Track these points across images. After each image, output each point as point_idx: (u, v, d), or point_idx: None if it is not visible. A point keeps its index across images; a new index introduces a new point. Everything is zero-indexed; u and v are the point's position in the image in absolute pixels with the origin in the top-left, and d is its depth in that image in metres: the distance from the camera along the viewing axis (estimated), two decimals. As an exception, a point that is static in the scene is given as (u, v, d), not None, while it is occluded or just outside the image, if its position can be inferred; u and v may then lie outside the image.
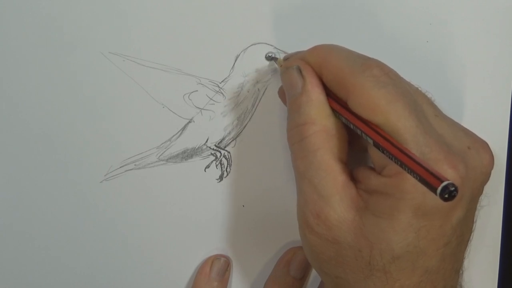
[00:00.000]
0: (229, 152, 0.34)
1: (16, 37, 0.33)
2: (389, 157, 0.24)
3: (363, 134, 0.26)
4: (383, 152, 0.25)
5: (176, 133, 0.34)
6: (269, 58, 0.33)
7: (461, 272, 0.29)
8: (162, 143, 0.34)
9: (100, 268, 0.35)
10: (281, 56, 0.33)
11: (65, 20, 0.33)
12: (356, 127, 0.26)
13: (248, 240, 0.36)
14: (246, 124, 0.34)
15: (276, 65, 0.33)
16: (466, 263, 0.30)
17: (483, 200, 0.32)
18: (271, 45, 0.33)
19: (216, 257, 0.35)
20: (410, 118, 0.25)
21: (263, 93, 0.34)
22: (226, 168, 0.35)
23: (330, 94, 0.28)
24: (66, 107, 0.33)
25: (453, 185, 0.20)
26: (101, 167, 0.34)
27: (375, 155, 0.27)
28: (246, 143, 0.34)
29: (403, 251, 0.25)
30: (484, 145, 0.28)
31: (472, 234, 0.29)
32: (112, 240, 0.35)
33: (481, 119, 0.34)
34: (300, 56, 0.29)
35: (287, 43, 0.33)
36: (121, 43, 0.33)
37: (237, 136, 0.34)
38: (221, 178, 0.35)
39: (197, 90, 0.34)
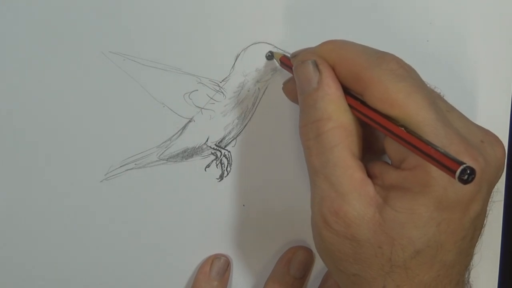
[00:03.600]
0: (229, 152, 0.34)
1: (16, 37, 0.33)
2: (410, 148, 0.24)
3: (382, 128, 0.26)
4: (404, 143, 0.24)
5: (177, 133, 0.34)
6: (270, 57, 0.33)
7: (470, 268, 0.29)
8: (163, 143, 0.34)
9: (100, 268, 0.35)
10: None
11: (65, 19, 0.33)
12: (374, 121, 0.26)
13: (248, 239, 0.36)
14: (247, 124, 0.34)
15: (277, 64, 0.33)
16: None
17: (495, 195, 0.32)
18: (271, 44, 0.33)
19: (216, 257, 0.35)
20: (430, 111, 0.25)
21: (264, 92, 0.34)
22: (227, 168, 0.35)
23: (345, 90, 0.28)
24: (67, 107, 0.33)
25: (471, 167, 0.21)
26: (102, 167, 0.34)
27: (392, 149, 0.27)
28: (247, 142, 0.34)
29: (424, 245, 0.25)
30: (497, 139, 0.28)
31: (483, 229, 0.28)
32: (112, 239, 0.35)
33: (481, 118, 0.34)
34: (311, 52, 0.29)
35: (287, 42, 0.33)
36: (121, 42, 0.33)
37: (237, 136, 0.34)
38: (221, 177, 0.35)
39: (197, 90, 0.34)
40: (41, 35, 0.33)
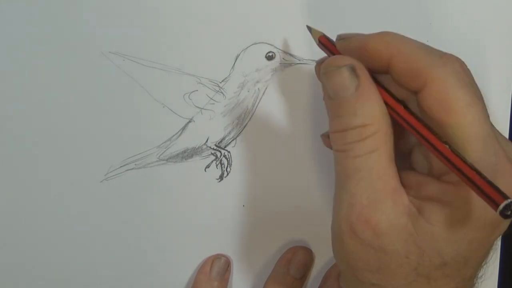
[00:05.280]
0: (229, 152, 0.34)
1: (16, 37, 0.33)
2: (451, 168, 0.23)
3: (425, 141, 0.24)
4: (445, 162, 0.23)
5: (176, 133, 0.34)
6: (269, 57, 0.33)
7: (481, 279, 0.28)
8: (162, 143, 0.34)
9: (99, 268, 0.35)
10: (281, 55, 0.33)
11: (65, 20, 0.33)
12: (418, 133, 0.24)
13: (248, 239, 0.36)
14: (246, 124, 0.34)
15: (276, 64, 0.33)
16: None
17: None
18: (271, 45, 0.33)
19: (217, 257, 0.35)
20: (485, 125, 0.23)
21: (264, 93, 0.34)
22: (226, 168, 0.35)
23: (388, 91, 0.26)
24: (67, 107, 0.33)
25: None
26: (102, 167, 0.34)
27: (434, 159, 0.25)
28: (247, 142, 0.34)
29: (453, 260, 0.24)
30: None
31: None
32: (112, 239, 0.35)
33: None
34: (362, 41, 0.26)
35: (287, 42, 0.33)
36: (121, 42, 0.33)
37: (237, 136, 0.34)
38: (221, 178, 0.35)
39: (197, 90, 0.34)
40: (41, 35, 0.33)
